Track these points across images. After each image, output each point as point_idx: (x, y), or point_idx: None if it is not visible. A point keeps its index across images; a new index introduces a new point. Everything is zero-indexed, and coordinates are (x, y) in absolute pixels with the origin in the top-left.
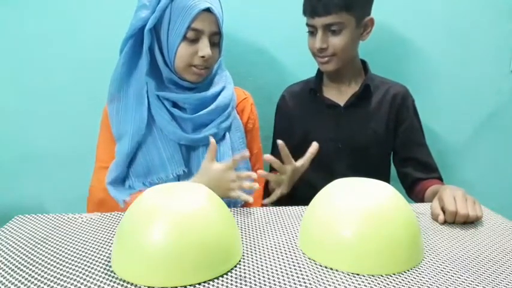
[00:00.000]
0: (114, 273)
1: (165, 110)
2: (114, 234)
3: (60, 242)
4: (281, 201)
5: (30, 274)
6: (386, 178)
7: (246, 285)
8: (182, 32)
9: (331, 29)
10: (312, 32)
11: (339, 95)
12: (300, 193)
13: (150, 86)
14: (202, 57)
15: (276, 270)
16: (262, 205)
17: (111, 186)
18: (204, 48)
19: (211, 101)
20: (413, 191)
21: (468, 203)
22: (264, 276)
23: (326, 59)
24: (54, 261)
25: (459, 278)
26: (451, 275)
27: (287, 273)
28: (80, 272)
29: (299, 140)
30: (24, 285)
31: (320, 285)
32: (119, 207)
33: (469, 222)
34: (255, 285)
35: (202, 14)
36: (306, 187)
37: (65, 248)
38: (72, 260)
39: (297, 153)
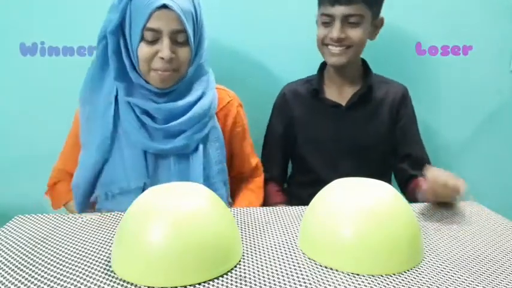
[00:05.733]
0: (114, 273)
1: (134, 117)
2: (114, 234)
3: (60, 242)
4: (280, 195)
5: (30, 274)
6: (389, 177)
7: (246, 285)
8: (139, 32)
9: (350, 21)
10: (327, 23)
11: (340, 94)
12: (309, 192)
13: (120, 91)
14: (162, 58)
15: (276, 270)
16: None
17: (78, 205)
18: (163, 49)
19: (185, 110)
20: (407, 188)
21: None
22: (264, 276)
23: (339, 50)
24: (54, 261)
25: (459, 278)
26: (451, 275)
27: (287, 273)
28: (80, 272)
29: (300, 140)
30: (24, 285)
31: (320, 285)
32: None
33: (450, 197)
34: (255, 285)
35: (159, 12)
36: (314, 186)
37: (65, 248)
38: (72, 260)
39: (298, 153)
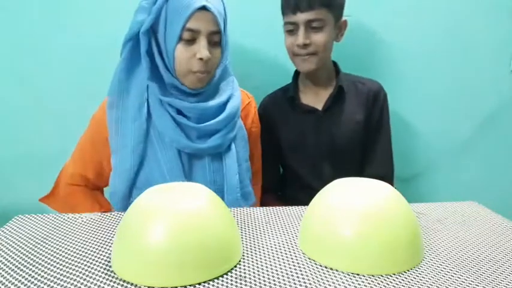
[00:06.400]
0: (114, 273)
1: (169, 117)
2: (114, 234)
3: (60, 242)
4: (278, 204)
5: (30, 274)
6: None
7: (246, 285)
8: (177, 33)
9: (313, 26)
10: (292, 31)
11: (316, 99)
12: (298, 196)
13: (153, 91)
14: (201, 59)
15: (276, 270)
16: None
17: (119, 204)
18: (201, 49)
19: (217, 111)
20: None
21: None
22: (264, 276)
23: (307, 57)
24: (54, 261)
25: (459, 278)
26: (451, 275)
27: (287, 273)
28: (80, 272)
29: (284, 148)
30: (24, 285)
31: (320, 285)
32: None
33: None
34: (255, 285)
35: (198, 13)
36: (302, 190)
37: (65, 248)
38: (72, 260)
39: (284, 161)
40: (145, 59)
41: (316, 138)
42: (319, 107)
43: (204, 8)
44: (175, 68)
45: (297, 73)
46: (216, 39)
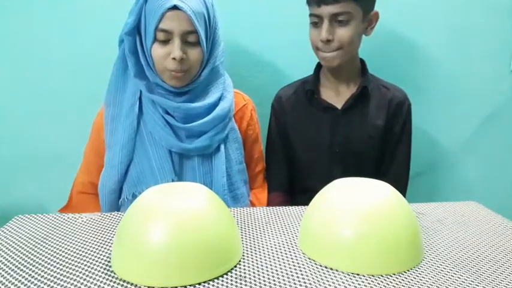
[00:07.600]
0: (114, 273)
1: (159, 116)
2: (114, 234)
3: (60, 242)
4: (285, 205)
5: (30, 274)
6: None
7: (246, 285)
8: (152, 33)
9: (338, 19)
10: (316, 23)
11: (336, 96)
12: (300, 198)
13: (142, 89)
14: (174, 59)
15: (276, 270)
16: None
17: (103, 206)
18: (174, 49)
19: (204, 112)
20: None
21: None
22: (264, 276)
23: (330, 54)
24: (54, 261)
25: (459, 278)
26: (451, 275)
27: (287, 273)
28: (80, 272)
29: (296, 143)
30: (24, 285)
31: (320, 285)
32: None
33: None
34: (255, 285)
35: (170, 13)
36: (305, 192)
37: (65, 248)
38: (72, 260)
39: (294, 156)
40: (129, 58)
41: (331, 139)
42: (339, 105)
43: (176, 8)
44: (155, 67)
45: (319, 65)
46: (192, 39)
